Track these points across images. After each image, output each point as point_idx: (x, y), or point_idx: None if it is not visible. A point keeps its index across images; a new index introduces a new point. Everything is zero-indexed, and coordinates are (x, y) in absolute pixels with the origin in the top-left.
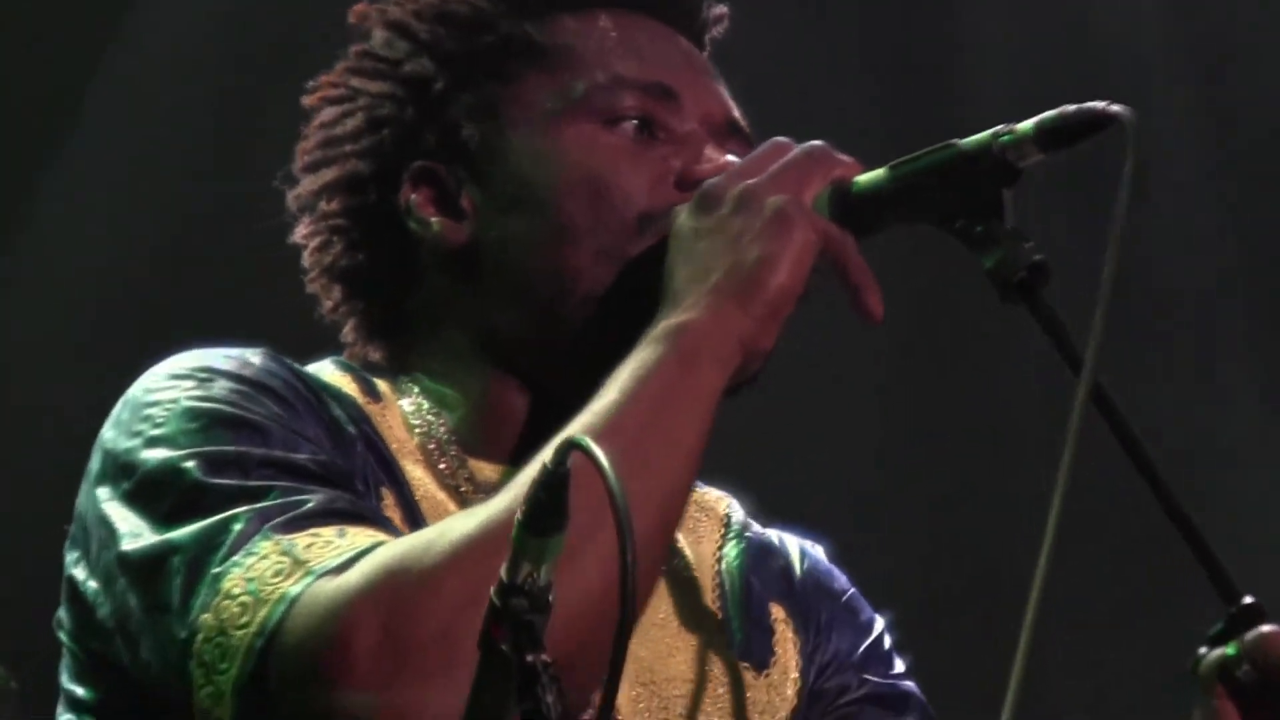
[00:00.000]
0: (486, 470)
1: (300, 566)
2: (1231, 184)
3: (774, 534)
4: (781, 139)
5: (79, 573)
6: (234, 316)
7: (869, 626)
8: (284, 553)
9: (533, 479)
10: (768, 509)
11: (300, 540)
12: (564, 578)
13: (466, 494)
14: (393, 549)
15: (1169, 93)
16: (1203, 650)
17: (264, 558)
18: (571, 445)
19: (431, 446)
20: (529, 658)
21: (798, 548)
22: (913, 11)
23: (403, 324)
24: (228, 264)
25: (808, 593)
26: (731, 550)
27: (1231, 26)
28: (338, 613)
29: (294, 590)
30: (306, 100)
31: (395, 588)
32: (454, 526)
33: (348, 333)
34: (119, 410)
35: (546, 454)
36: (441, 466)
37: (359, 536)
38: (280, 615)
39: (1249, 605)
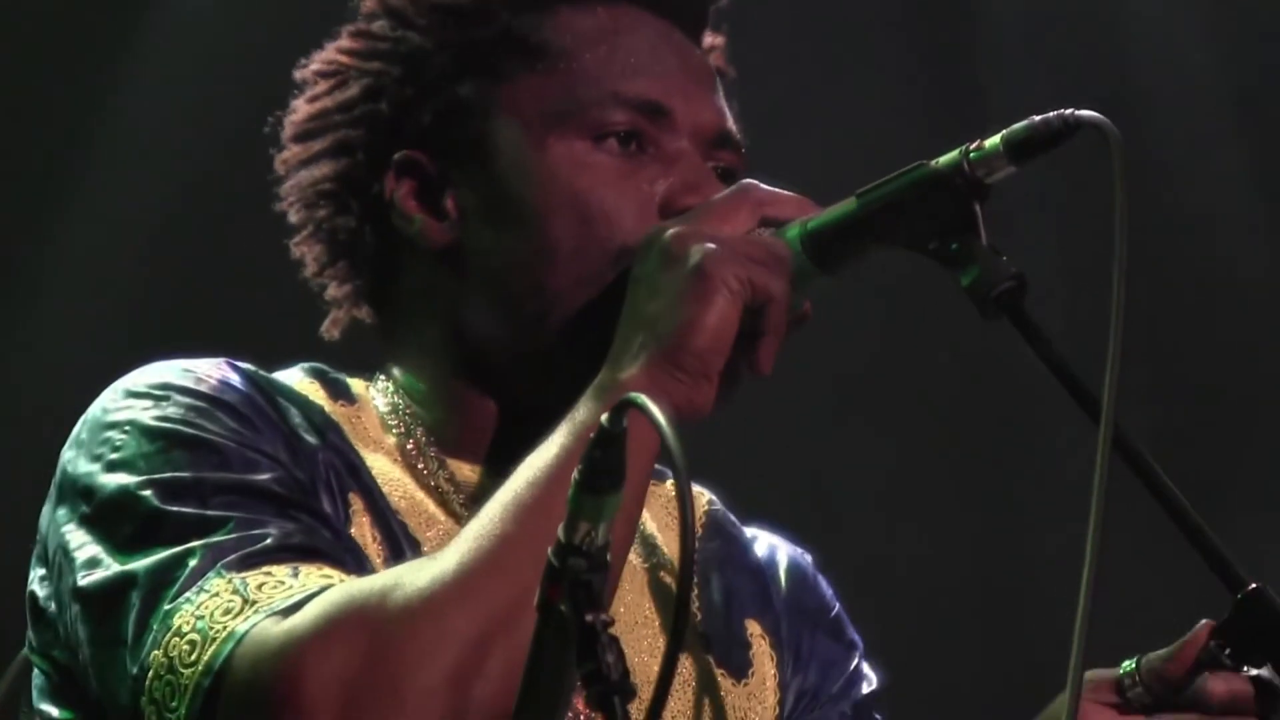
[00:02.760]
0: (465, 470)
1: (249, 605)
2: None
3: (759, 539)
4: (749, 183)
5: (41, 590)
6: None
7: (849, 652)
8: (235, 591)
9: (589, 439)
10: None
11: (252, 579)
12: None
13: (447, 495)
14: (343, 591)
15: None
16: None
17: (215, 595)
18: (628, 404)
19: (410, 447)
20: (589, 617)
21: (786, 559)
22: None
23: (387, 300)
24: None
25: (791, 612)
26: (709, 554)
27: None
28: (285, 655)
29: (241, 629)
30: (299, 73)
31: (345, 632)
32: (405, 580)
33: (331, 293)
34: (79, 430)
35: (527, 469)
36: (420, 467)
37: (311, 577)
38: (227, 654)
39: (1254, 591)
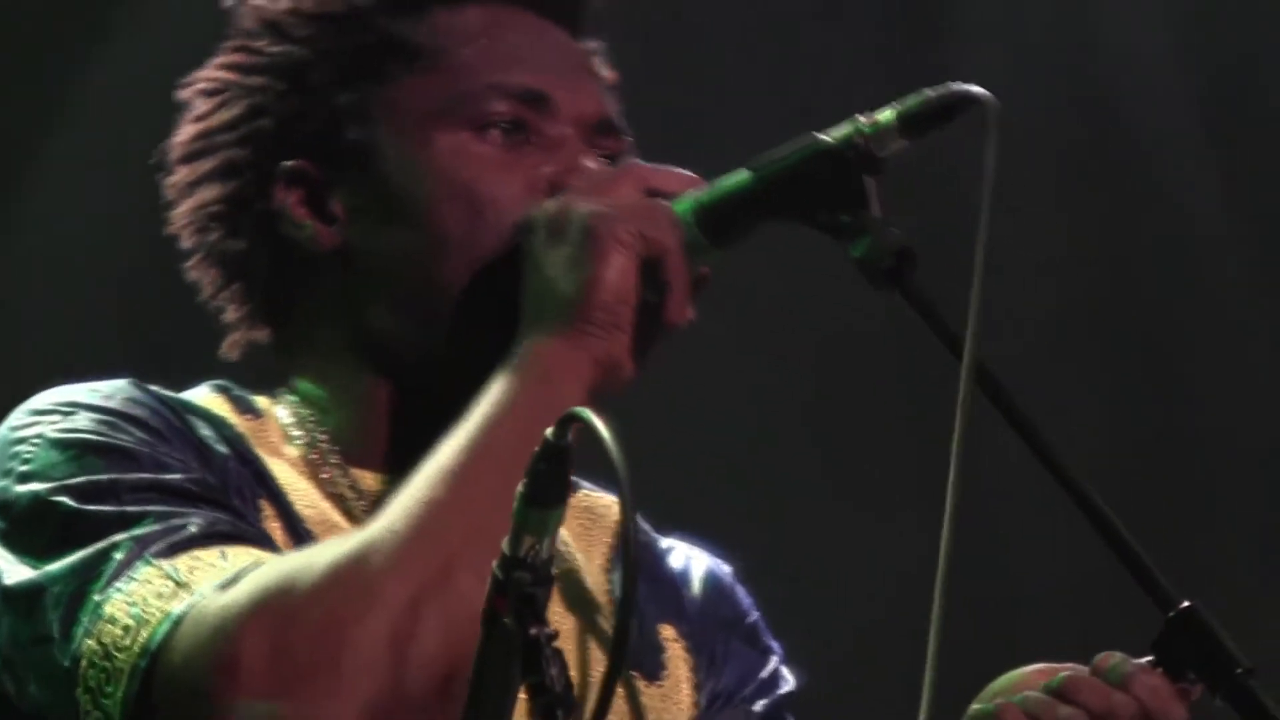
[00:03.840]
0: (368, 479)
1: (182, 588)
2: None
3: (676, 549)
4: (632, 160)
5: None
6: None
7: (765, 656)
8: (166, 576)
9: (534, 451)
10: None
11: (182, 564)
12: None
13: (350, 502)
14: (274, 567)
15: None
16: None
17: (146, 582)
18: (571, 418)
19: (313, 456)
20: (532, 630)
21: (703, 568)
22: None
23: (282, 314)
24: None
25: (705, 619)
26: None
27: None
28: (224, 629)
29: (177, 610)
30: (180, 94)
31: (279, 603)
32: (334, 548)
33: (228, 316)
34: None
35: (451, 440)
36: (324, 476)
37: (240, 556)
38: (164, 635)
39: (1185, 610)
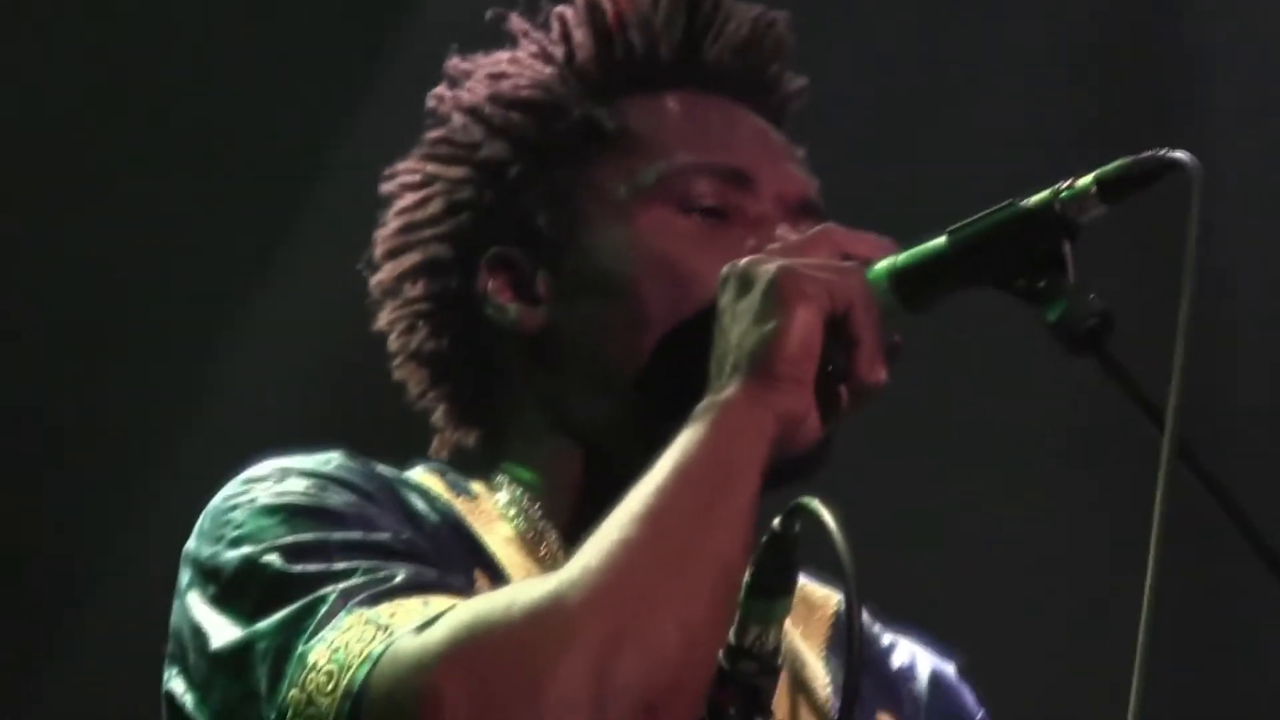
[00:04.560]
0: None
1: (383, 631)
2: None
3: (899, 646)
4: (829, 224)
5: (177, 686)
6: None
7: None
8: (369, 622)
9: (760, 542)
10: None
11: (384, 610)
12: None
13: None
14: (471, 606)
15: None
16: None
17: (348, 630)
18: (799, 509)
19: (530, 534)
20: None
21: (928, 665)
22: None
23: (489, 409)
24: None
25: (931, 715)
26: (838, 658)
27: None
28: (423, 666)
29: (377, 650)
30: (384, 187)
31: (479, 640)
32: (531, 587)
33: (437, 419)
34: (200, 522)
35: (639, 488)
36: (542, 553)
37: (442, 602)
38: (365, 675)
39: None
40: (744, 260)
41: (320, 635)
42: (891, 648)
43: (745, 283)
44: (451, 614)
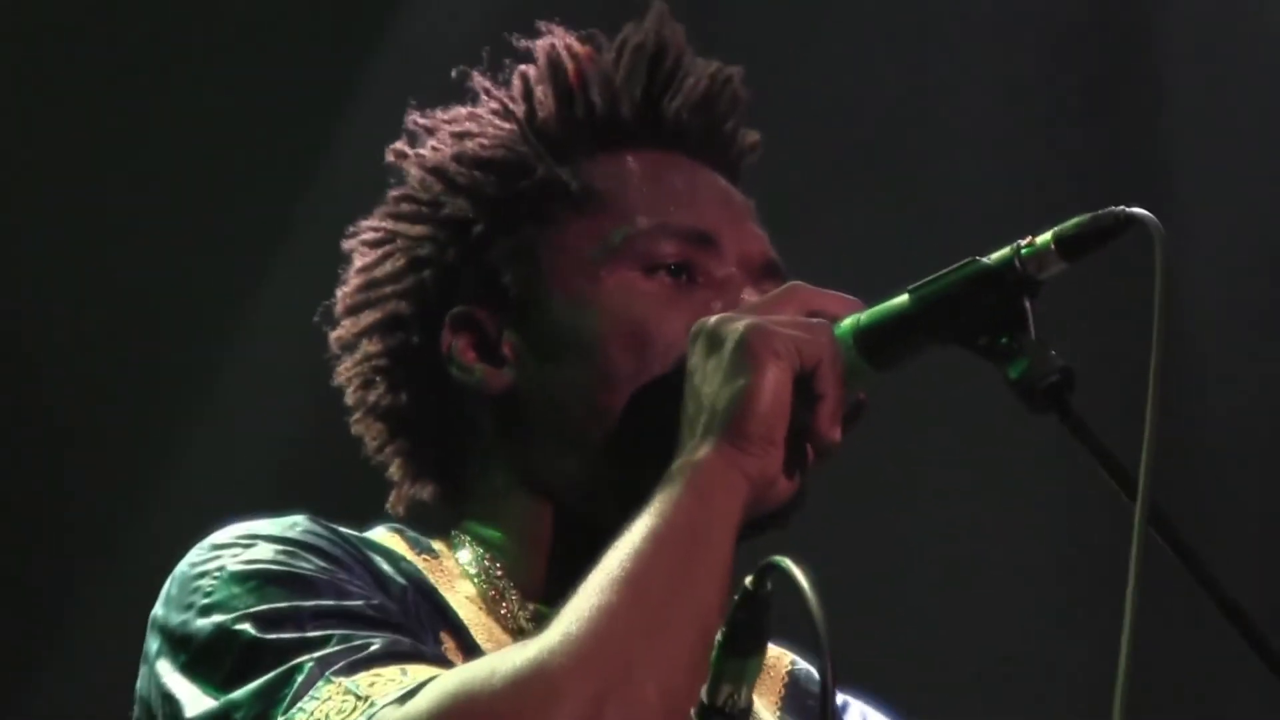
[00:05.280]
0: (548, 611)
1: (363, 701)
2: None
3: (851, 707)
4: (796, 283)
5: None
6: None
7: None
8: (347, 692)
9: (733, 600)
10: None
11: (363, 680)
12: None
13: (530, 634)
14: (455, 677)
15: None
16: None
17: (327, 700)
18: (771, 567)
19: (492, 593)
20: None
21: (858, 715)
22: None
23: (449, 465)
24: None
25: None
26: (793, 717)
27: None
28: None
29: None
30: (345, 245)
31: (463, 713)
32: (512, 655)
33: (393, 472)
34: (167, 588)
35: (614, 553)
36: (503, 610)
37: (421, 672)
38: None
39: None
40: (713, 318)
41: (299, 705)
42: (845, 707)
43: (715, 341)
44: (434, 684)
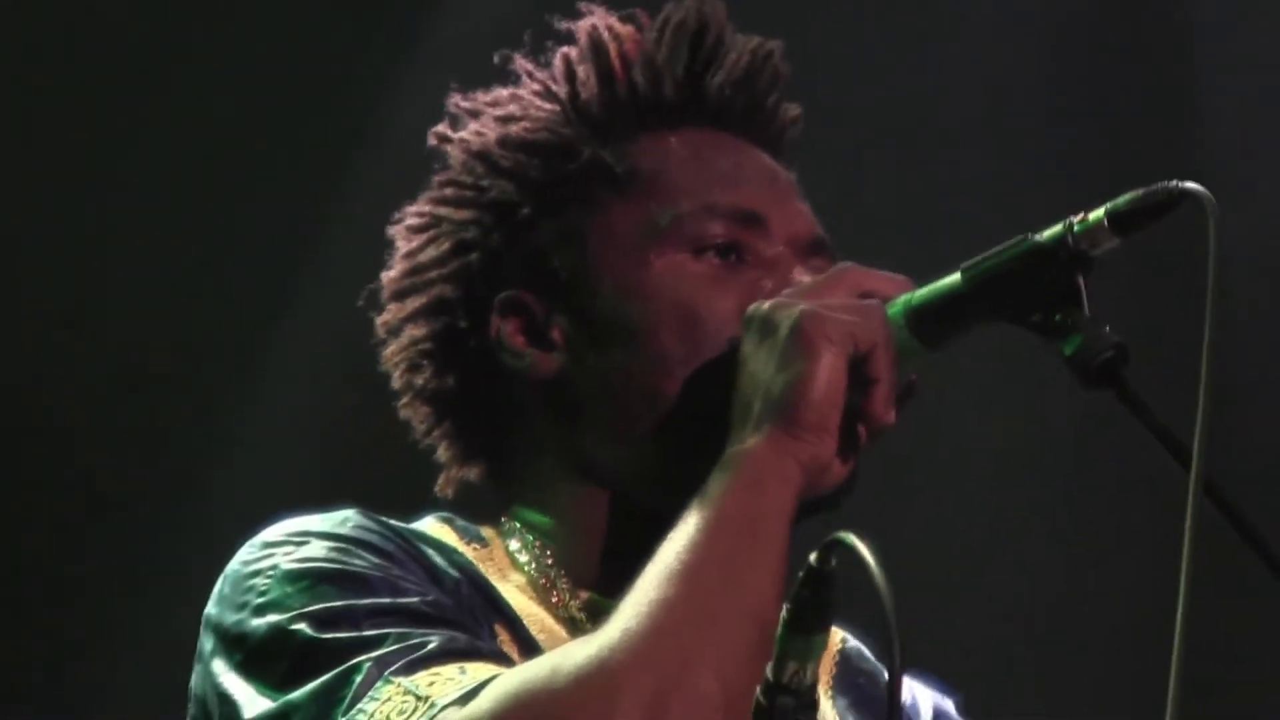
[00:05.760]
0: (599, 601)
1: (423, 702)
2: None
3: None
4: (847, 264)
5: None
6: None
7: None
8: (407, 692)
9: (798, 577)
10: None
11: (421, 680)
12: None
13: (582, 624)
14: (516, 676)
15: None
16: None
17: (387, 700)
18: (836, 543)
19: (543, 581)
20: None
21: (929, 702)
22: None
23: (496, 449)
24: None
25: None
26: (844, 696)
27: None
28: None
29: None
30: (391, 230)
31: (527, 711)
32: (573, 652)
33: (441, 455)
34: (220, 586)
35: (670, 544)
36: (554, 600)
37: (480, 670)
38: None
39: None
40: (767, 304)
41: (359, 707)
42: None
43: (768, 326)
44: (495, 684)
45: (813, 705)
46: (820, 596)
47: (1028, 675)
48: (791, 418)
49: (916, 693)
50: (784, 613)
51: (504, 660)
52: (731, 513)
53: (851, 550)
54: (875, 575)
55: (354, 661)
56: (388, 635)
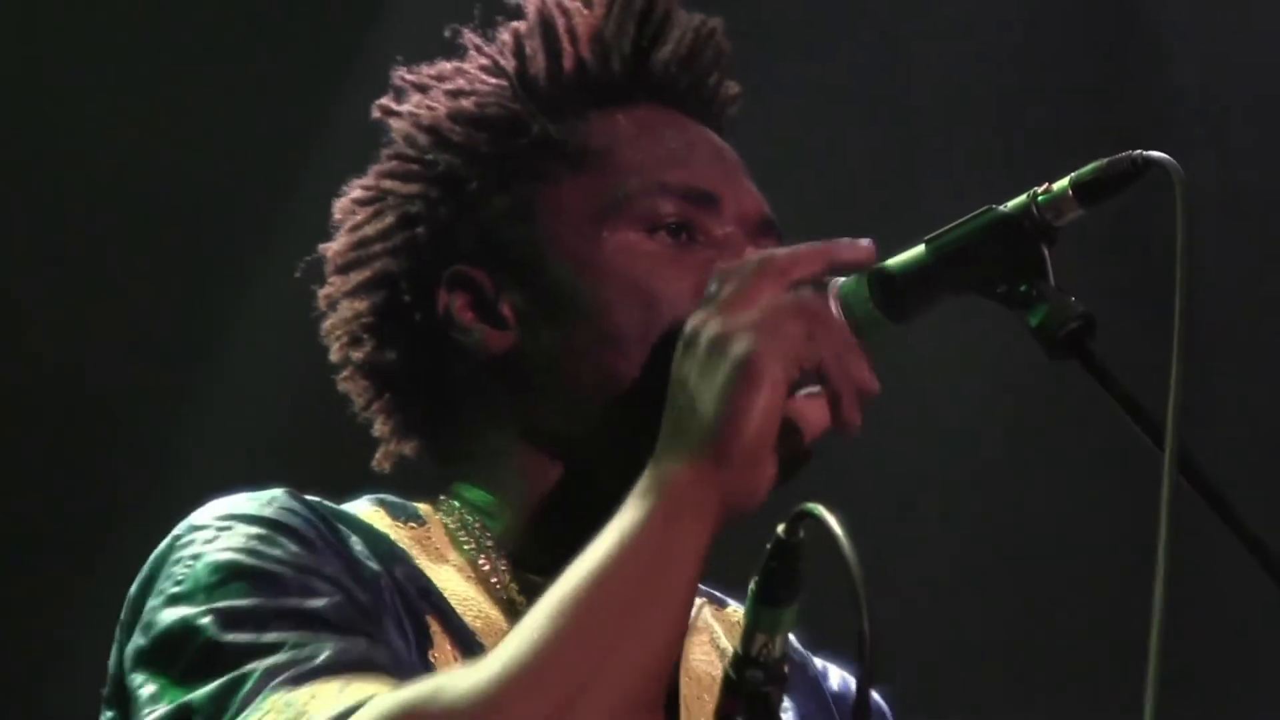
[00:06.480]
0: (539, 582)
1: (300, 717)
2: None
3: (830, 672)
4: (762, 256)
5: None
6: None
7: None
8: (287, 705)
9: (767, 548)
10: None
11: (302, 696)
12: None
13: (520, 607)
14: (392, 699)
15: None
16: None
17: (267, 713)
18: (804, 514)
19: (482, 561)
20: None
21: (839, 680)
22: None
23: (438, 424)
24: None
25: None
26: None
27: None
28: None
29: None
30: (336, 205)
31: None
32: (458, 679)
33: (379, 429)
34: (147, 567)
35: (575, 570)
36: (494, 581)
37: (359, 691)
38: None
39: None
40: (717, 323)
41: (244, 715)
42: (825, 672)
43: (718, 347)
44: (371, 705)
45: (782, 678)
46: (788, 568)
47: (997, 647)
48: (722, 450)
49: (846, 679)
50: (752, 585)
51: (403, 671)
52: (641, 545)
53: (820, 521)
54: (844, 546)
55: (245, 669)
56: (284, 642)
